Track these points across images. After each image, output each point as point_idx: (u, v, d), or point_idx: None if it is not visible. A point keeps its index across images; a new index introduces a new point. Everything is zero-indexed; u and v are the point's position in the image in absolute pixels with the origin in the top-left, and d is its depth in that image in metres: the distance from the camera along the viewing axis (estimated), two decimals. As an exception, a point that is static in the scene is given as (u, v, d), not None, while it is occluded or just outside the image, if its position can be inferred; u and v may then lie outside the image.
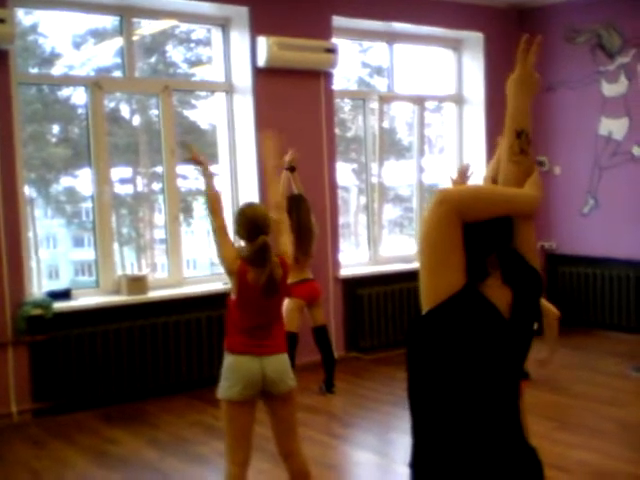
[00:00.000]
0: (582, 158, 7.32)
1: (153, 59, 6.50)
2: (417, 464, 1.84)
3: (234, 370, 3.25)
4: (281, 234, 3.41)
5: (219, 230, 3.30)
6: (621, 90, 7.02)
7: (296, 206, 5.33)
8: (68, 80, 5.89)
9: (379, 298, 6.73)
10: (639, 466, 4.21)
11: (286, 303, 5.29)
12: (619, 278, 7.08)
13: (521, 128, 1.86)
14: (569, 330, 7.29)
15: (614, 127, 7.09)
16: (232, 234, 3.37)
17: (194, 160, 3.57)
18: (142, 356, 5.55)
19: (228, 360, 3.29)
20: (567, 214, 7.45)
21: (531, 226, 1.88)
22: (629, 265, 6.91)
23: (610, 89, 7.11)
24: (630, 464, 4.22)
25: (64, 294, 5.46)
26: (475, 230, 1.74)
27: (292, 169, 5.47)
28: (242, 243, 3.35)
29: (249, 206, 3.40)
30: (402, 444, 4.67)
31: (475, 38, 7.42)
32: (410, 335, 1.82)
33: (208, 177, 3.48)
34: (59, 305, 5.30)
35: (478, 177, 4.97)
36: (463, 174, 4.87)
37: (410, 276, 6.71)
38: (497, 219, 1.78)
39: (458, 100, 7.66)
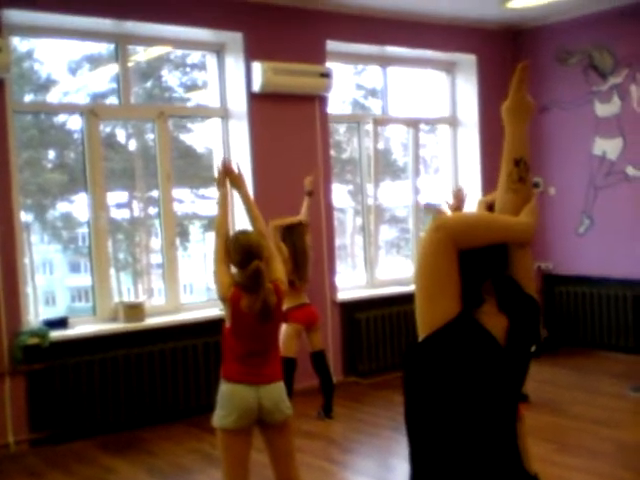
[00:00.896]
0: (577, 178, 7.35)
1: (149, 84, 6.53)
2: None
3: (229, 399, 3.24)
4: (273, 260, 3.41)
5: (219, 254, 3.30)
6: (614, 110, 7.06)
7: (289, 231, 5.36)
8: (64, 108, 5.90)
9: (377, 322, 6.71)
10: (638, 488, 4.21)
11: (284, 328, 5.30)
12: (616, 298, 7.08)
13: (520, 156, 1.86)
14: (567, 350, 7.31)
15: (608, 147, 7.13)
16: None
17: (228, 171, 3.57)
18: (139, 384, 5.52)
19: (224, 388, 3.28)
20: (563, 234, 7.47)
21: (527, 253, 1.88)
22: (626, 285, 6.92)
23: (603, 109, 7.15)
24: (629, 487, 4.21)
25: (61, 322, 5.43)
26: (470, 257, 1.74)
27: (310, 193, 5.64)
28: (235, 270, 3.34)
29: (242, 233, 3.41)
30: (402, 470, 4.64)
31: (468, 60, 7.46)
32: (406, 362, 1.83)
33: (224, 198, 3.52)
34: (56, 334, 5.27)
35: (472, 200, 5.00)
36: (458, 197, 4.92)
37: (407, 299, 6.64)
38: (492, 246, 1.79)
39: (452, 122, 7.69)
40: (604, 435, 5.05)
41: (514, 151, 1.86)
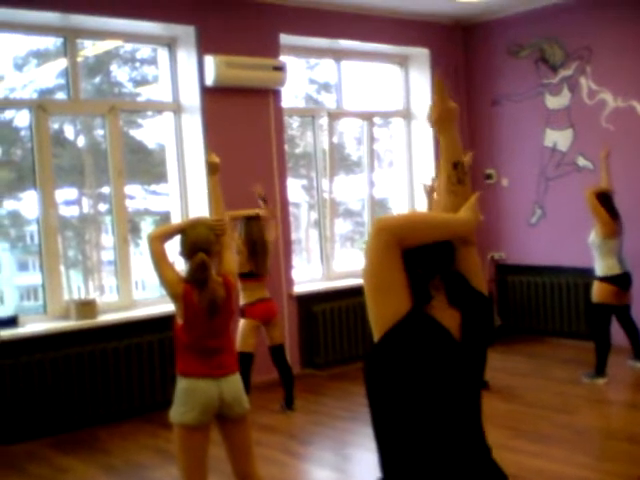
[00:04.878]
0: (529, 169, 7.44)
1: (97, 79, 6.42)
2: None
3: (191, 394, 3.18)
4: (225, 252, 3.37)
5: (157, 254, 3.23)
6: (564, 102, 7.17)
7: (248, 223, 5.33)
8: (11, 103, 5.77)
9: (333, 314, 6.71)
10: (593, 471, 4.26)
11: (241, 323, 5.28)
12: (567, 286, 7.20)
13: (457, 160, 1.96)
14: (520, 338, 7.41)
15: (559, 138, 7.23)
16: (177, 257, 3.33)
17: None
18: (93, 382, 5.42)
19: (184, 384, 3.22)
20: (515, 225, 7.57)
21: (472, 250, 1.94)
22: (576, 273, 7.02)
23: (554, 102, 7.26)
24: (585, 469, 4.27)
25: (11, 321, 5.31)
26: (416, 254, 1.78)
27: (264, 200, 5.55)
28: (185, 265, 3.29)
29: (191, 226, 3.36)
30: (360, 460, 4.67)
31: (421, 54, 7.51)
32: (367, 366, 1.84)
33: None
34: (6, 332, 5.15)
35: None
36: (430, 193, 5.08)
37: (363, 291, 6.72)
38: (437, 243, 1.83)
39: (406, 115, 7.73)
40: (559, 421, 5.12)
41: (451, 156, 1.97)
